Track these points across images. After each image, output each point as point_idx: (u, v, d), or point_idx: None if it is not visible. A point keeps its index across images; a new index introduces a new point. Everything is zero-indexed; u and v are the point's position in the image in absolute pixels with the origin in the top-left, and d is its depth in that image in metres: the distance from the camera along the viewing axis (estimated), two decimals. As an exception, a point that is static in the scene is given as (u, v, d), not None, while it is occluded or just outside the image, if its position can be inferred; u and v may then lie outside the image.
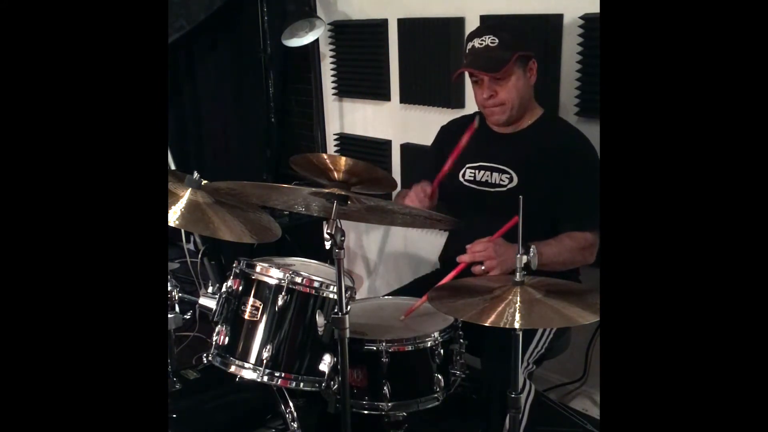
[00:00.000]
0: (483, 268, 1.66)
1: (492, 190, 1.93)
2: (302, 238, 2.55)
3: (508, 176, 1.90)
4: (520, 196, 1.32)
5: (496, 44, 1.80)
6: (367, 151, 2.91)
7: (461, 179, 2.00)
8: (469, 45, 1.86)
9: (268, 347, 1.52)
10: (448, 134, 2.13)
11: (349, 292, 1.53)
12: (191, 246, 3.22)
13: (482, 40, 1.82)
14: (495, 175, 1.93)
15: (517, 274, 1.36)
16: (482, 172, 1.96)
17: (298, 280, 1.56)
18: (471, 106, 2.28)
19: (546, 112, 1.97)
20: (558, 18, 2.10)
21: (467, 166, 1.99)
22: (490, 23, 1.98)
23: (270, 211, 1.99)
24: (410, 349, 1.58)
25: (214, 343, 1.60)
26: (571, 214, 1.83)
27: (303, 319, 1.56)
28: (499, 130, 1.96)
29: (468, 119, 2.11)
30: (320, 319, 1.54)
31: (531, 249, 1.37)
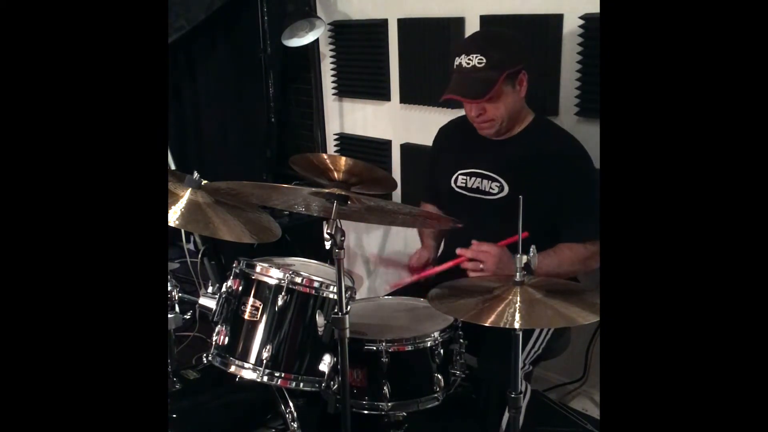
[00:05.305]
0: (481, 266, 1.67)
1: (483, 197, 1.92)
2: (302, 238, 2.55)
3: (498, 184, 1.89)
4: (520, 197, 1.32)
5: (483, 64, 1.75)
6: (367, 151, 2.91)
7: (453, 185, 1.99)
8: (457, 61, 1.80)
9: (268, 347, 1.53)
10: (443, 137, 2.13)
11: (349, 292, 1.53)
12: (191, 246, 3.22)
13: (469, 59, 1.77)
14: (485, 182, 1.92)
15: (517, 274, 1.36)
16: (473, 178, 1.95)
17: (298, 280, 1.56)
18: (471, 106, 2.28)
19: (537, 117, 1.94)
20: (558, 18, 2.10)
21: (459, 172, 1.98)
22: (479, 39, 1.90)
23: (270, 211, 1.99)
24: (410, 349, 1.58)
25: (214, 343, 1.60)
26: (570, 224, 1.82)
27: (303, 319, 1.56)
28: (489, 137, 1.95)
29: (465, 119, 2.11)
30: (320, 319, 1.54)
31: (531, 249, 1.37)
